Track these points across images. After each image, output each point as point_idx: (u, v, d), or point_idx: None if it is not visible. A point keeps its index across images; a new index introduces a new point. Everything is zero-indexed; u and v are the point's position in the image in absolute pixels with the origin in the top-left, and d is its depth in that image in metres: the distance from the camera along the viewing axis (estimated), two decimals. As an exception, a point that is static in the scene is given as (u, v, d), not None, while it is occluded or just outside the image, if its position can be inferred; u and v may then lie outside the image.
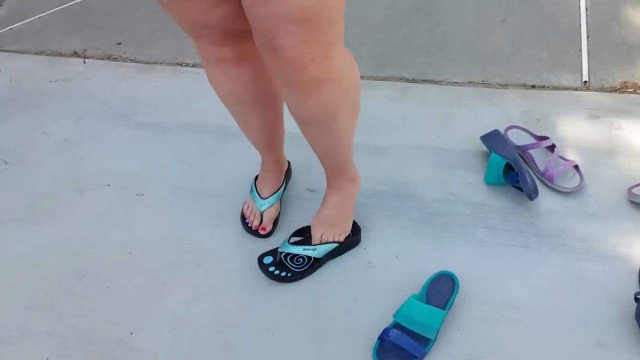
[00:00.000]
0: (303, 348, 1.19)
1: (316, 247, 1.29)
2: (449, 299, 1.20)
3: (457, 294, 1.22)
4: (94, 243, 1.43)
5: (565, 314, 1.19)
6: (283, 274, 1.29)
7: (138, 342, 1.22)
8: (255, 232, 1.39)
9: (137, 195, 1.54)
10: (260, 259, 1.31)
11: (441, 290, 1.22)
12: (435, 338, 1.15)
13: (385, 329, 1.16)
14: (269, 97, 1.20)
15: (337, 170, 1.25)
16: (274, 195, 1.40)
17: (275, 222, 1.41)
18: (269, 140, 1.33)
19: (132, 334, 1.24)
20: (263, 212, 1.39)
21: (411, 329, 1.15)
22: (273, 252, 1.32)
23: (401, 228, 1.39)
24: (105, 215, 1.49)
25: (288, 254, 1.29)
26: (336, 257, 1.33)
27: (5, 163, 1.67)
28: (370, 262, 1.32)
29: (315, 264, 1.30)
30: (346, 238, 1.32)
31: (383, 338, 1.15)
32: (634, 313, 1.17)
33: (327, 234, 1.30)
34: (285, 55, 0.90)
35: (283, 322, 1.23)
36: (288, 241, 1.31)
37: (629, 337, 1.15)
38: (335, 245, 1.30)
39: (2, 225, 1.50)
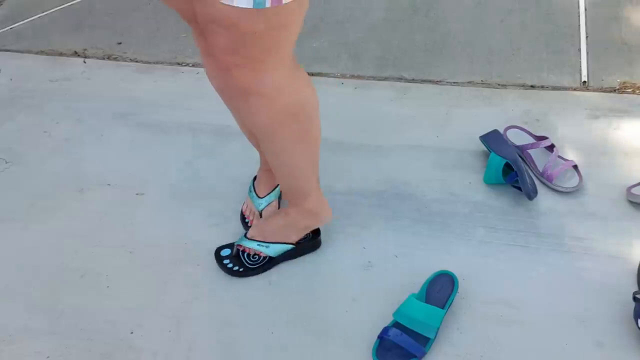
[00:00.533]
0: (303, 347, 1.19)
1: (269, 244, 1.29)
2: (448, 299, 1.20)
3: (457, 294, 1.22)
4: (95, 242, 1.43)
5: (564, 313, 1.20)
6: (236, 267, 1.30)
7: (138, 341, 1.23)
8: None
9: (137, 194, 1.54)
10: (217, 251, 1.32)
11: (441, 289, 1.22)
12: (435, 337, 1.15)
13: (385, 328, 1.16)
14: None
15: (285, 191, 1.24)
16: (270, 194, 1.41)
17: None
18: None
19: (132, 332, 1.24)
20: (261, 211, 1.39)
21: (411, 328, 1.15)
22: (231, 245, 1.32)
23: (401, 228, 1.39)
24: (105, 215, 1.50)
25: (244, 249, 1.30)
26: (293, 258, 1.33)
27: (6, 162, 1.68)
28: (369, 262, 1.33)
29: (269, 262, 1.30)
30: (303, 239, 1.32)
31: (382, 337, 1.15)
32: (632, 312, 1.17)
33: (254, 236, 1.30)
34: (214, 52, 0.92)
35: (283, 321, 1.24)
36: (245, 235, 1.32)
37: (628, 336, 1.15)
38: (289, 247, 1.30)
39: (2, 225, 1.50)
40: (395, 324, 1.17)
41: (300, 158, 1.13)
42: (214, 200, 1.50)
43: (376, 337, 1.17)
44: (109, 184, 1.58)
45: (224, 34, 0.87)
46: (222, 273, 1.33)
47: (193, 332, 1.23)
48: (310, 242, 1.33)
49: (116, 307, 1.29)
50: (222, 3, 0.82)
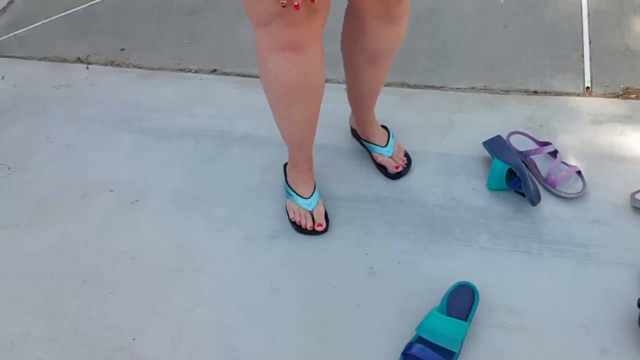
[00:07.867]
0: (305, 353, 1.19)
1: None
2: (470, 310, 1.19)
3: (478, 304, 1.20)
4: (97, 248, 1.43)
5: (568, 320, 1.19)
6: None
7: (140, 348, 1.22)
8: (312, 232, 1.39)
9: (139, 200, 1.54)
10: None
11: (461, 301, 1.20)
12: (460, 351, 1.13)
13: (408, 344, 1.14)
14: (320, 89, 1.21)
15: (371, 104, 1.48)
16: (315, 193, 1.42)
17: (326, 217, 1.42)
18: (309, 135, 1.32)
19: (134, 339, 1.24)
20: (312, 211, 1.40)
21: (435, 342, 1.12)
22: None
23: (403, 234, 1.39)
24: (107, 221, 1.50)
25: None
26: None
27: (9, 168, 1.68)
28: (372, 268, 1.32)
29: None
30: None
31: (406, 353, 1.13)
32: (637, 319, 1.16)
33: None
34: (400, 14, 1.18)
35: (285, 327, 1.23)
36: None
37: (633, 343, 1.14)
38: None
39: (5, 231, 1.50)
40: (419, 339, 1.15)
41: None
42: (216, 206, 1.50)
43: (383, 344, 1.16)
44: (111, 190, 1.58)
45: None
46: (224, 279, 1.33)
47: (195, 339, 1.23)
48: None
49: (118, 314, 1.29)
50: None
